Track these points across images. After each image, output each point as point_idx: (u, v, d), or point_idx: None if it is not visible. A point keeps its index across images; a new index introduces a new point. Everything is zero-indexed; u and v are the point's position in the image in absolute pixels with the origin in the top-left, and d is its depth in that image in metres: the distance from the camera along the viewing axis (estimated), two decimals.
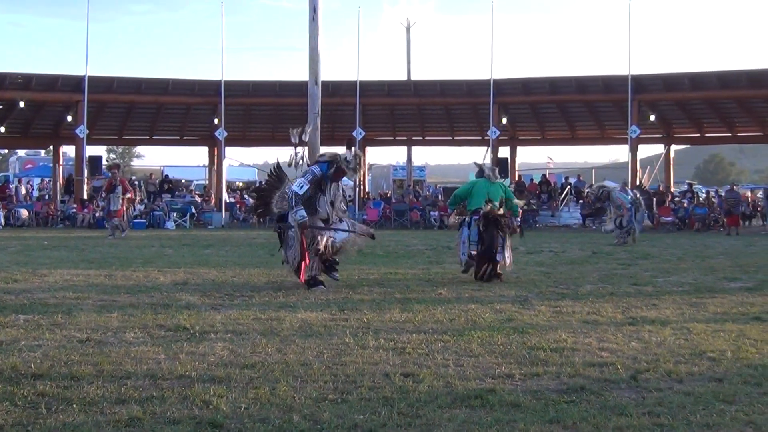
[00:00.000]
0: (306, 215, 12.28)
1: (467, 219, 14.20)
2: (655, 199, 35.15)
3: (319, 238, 12.50)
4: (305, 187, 12.36)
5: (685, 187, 41.51)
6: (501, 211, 14.17)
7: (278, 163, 13.75)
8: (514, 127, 42.71)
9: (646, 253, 20.33)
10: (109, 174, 28.18)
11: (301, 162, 13.34)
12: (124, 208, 26.58)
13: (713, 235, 30.71)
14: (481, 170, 15.08)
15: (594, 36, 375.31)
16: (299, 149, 13.43)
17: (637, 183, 32.00)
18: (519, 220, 15.60)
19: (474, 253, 13.87)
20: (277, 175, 13.56)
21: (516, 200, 15.11)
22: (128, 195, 26.65)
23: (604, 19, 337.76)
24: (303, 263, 12.43)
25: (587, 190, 26.79)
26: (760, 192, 49.38)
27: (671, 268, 16.30)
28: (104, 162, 41.44)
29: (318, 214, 12.57)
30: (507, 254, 14.11)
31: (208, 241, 24.55)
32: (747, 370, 6.86)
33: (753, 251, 21.56)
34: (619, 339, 8.31)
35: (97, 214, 33.26)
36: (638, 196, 26.00)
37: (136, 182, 41.48)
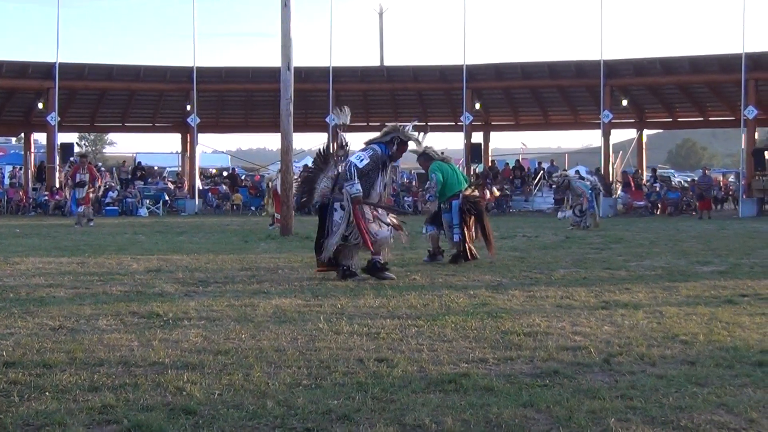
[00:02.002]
0: (361, 190, 11.73)
1: (447, 205, 14.32)
2: (620, 184, 35.40)
3: (371, 216, 12.01)
4: (365, 161, 11.87)
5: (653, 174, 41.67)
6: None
7: (327, 145, 13.15)
8: (488, 112, 42.78)
9: (619, 237, 20.42)
10: (78, 160, 27.87)
11: (346, 146, 12.94)
12: (90, 196, 26.24)
13: (685, 219, 30.90)
14: (428, 155, 14.94)
15: (566, 21, 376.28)
16: (341, 132, 13.10)
17: (596, 168, 32.15)
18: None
19: (458, 238, 14.10)
20: (324, 157, 12.86)
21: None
22: (97, 183, 26.45)
23: (576, 4, 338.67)
24: (366, 237, 11.76)
25: (554, 177, 26.99)
26: (732, 176, 49.82)
27: (644, 252, 16.38)
28: (75, 149, 41.16)
29: (370, 196, 12.03)
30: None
31: (181, 228, 24.48)
32: (719, 353, 6.90)
33: (725, 235, 21.69)
34: (592, 323, 8.34)
35: (66, 207, 33.05)
36: (597, 181, 26.39)
37: (102, 168, 41.26)
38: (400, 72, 41.28)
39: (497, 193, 33.81)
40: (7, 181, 43.62)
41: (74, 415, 5.15)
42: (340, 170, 12.21)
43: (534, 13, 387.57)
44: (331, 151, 12.97)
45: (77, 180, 25.75)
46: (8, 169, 48.23)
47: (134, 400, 5.47)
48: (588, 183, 25.12)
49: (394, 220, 12.69)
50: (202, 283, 11.39)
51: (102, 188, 30.87)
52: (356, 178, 11.69)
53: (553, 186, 26.84)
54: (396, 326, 8.09)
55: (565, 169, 25.85)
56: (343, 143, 12.93)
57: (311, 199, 12.73)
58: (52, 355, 6.70)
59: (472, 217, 14.18)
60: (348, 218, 11.83)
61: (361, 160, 11.84)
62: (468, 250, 14.08)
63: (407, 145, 12.54)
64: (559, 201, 34.99)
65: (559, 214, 24.88)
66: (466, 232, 14.14)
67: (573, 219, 24.27)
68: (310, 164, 13.78)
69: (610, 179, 36.19)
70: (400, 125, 12.32)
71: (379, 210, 12.21)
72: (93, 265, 13.68)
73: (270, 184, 25.52)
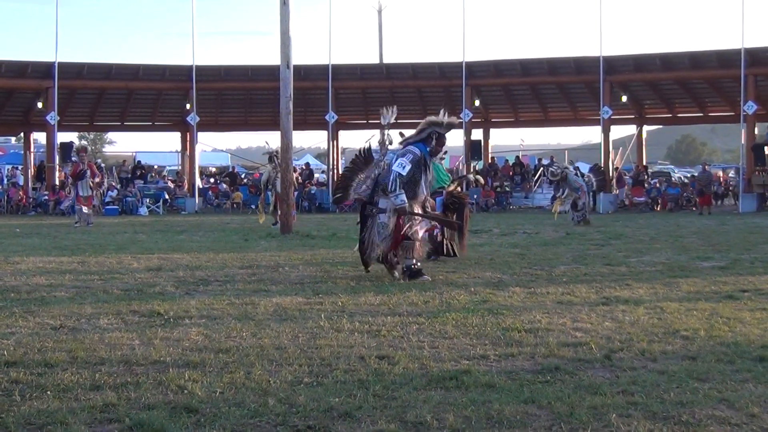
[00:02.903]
0: (406, 201, 11.55)
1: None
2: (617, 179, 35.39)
3: (417, 228, 11.89)
4: (407, 168, 11.57)
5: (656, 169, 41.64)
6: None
7: (369, 145, 12.98)
8: (487, 109, 42.74)
9: (620, 233, 20.43)
10: (77, 158, 27.66)
11: (389, 144, 12.75)
12: (94, 200, 26.12)
13: (685, 215, 30.90)
14: None
15: (565, 17, 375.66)
16: (387, 131, 12.88)
17: (594, 165, 32.11)
18: None
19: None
20: (365, 157, 12.65)
21: None
22: (96, 179, 26.22)
23: (575, 0, 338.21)
24: (397, 240, 11.68)
25: (551, 169, 26.94)
26: (732, 171, 49.80)
27: (644, 248, 16.39)
28: (75, 144, 41.15)
29: (416, 197, 11.82)
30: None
31: (181, 227, 24.47)
32: (720, 348, 6.91)
33: (725, 230, 21.69)
34: (593, 319, 8.35)
35: (64, 205, 32.99)
36: (591, 178, 26.41)
37: (102, 166, 41.24)
38: (399, 69, 41.25)
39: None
40: (5, 180, 43.59)
41: (76, 414, 5.15)
42: (381, 171, 12.08)
43: (533, 9, 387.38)
44: (374, 150, 12.82)
45: (79, 174, 25.51)
46: (7, 168, 48.20)
47: (136, 398, 5.47)
48: (585, 179, 25.19)
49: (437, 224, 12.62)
50: (203, 282, 11.40)
51: (104, 187, 30.80)
52: (399, 188, 11.50)
53: (550, 177, 26.81)
54: (397, 323, 8.10)
55: (566, 166, 25.78)
56: (387, 143, 12.77)
57: (346, 196, 12.68)
58: (53, 354, 6.71)
59: (454, 214, 14.15)
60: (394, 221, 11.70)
61: (404, 168, 11.57)
62: (445, 246, 14.08)
63: (446, 138, 12.20)
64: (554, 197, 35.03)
65: (560, 208, 24.79)
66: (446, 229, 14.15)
67: (571, 213, 24.25)
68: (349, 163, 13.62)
69: (610, 175, 36.16)
70: (435, 118, 12.01)
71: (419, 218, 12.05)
72: (93, 264, 13.69)
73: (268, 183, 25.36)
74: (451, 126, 12.15)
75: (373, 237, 11.76)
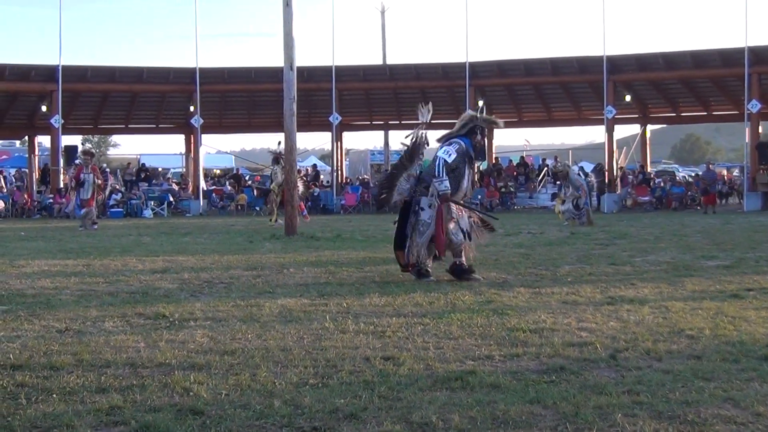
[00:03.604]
0: (449, 187, 11.40)
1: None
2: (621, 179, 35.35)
3: (459, 216, 11.73)
4: (453, 156, 11.47)
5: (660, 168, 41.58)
6: None
7: (417, 141, 12.79)
8: (491, 109, 42.60)
9: (624, 232, 20.42)
10: (81, 160, 27.49)
11: (425, 143, 12.47)
12: (95, 197, 25.98)
13: (690, 214, 30.87)
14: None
15: (568, 17, 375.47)
16: (423, 130, 12.65)
17: (597, 165, 32.08)
18: None
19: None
20: (410, 156, 12.56)
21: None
22: (99, 182, 26.04)
23: (578, 0, 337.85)
24: (440, 236, 11.46)
25: (552, 165, 26.92)
26: (737, 170, 49.74)
27: (649, 247, 16.37)
28: (80, 147, 41.17)
29: (459, 190, 11.69)
30: None
31: (186, 229, 24.48)
32: (725, 347, 6.90)
33: (730, 229, 21.67)
34: (598, 318, 8.35)
35: (68, 208, 32.97)
36: (593, 179, 26.41)
37: (107, 170, 41.23)
38: (402, 70, 41.26)
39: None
40: (9, 184, 43.58)
41: (82, 416, 5.16)
42: (422, 168, 12.00)
43: (536, 9, 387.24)
44: (418, 148, 12.76)
45: (81, 179, 25.51)
46: (11, 172, 48.23)
47: (141, 401, 5.48)
48: (587, 179, 25.21)
49: (478, 220, 12.36)
50: (208, 284, 11.41)
51: (107, 190, 30.71)
52: (444, 174, 11.39)
53: (551, 173, 26.81)
54: (402, 324, 8.10)
55: (567, 163, 25.77)
56: (424, 142, 12.69)
57: (390, 198, 12.50)
58: (58, 357, 6.71)
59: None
60: (445, 219, 11.52)
61: (450, 155, 11.49)
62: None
63: (486, 134, 12.12)
64: (554, 195, 35.01)
65: (561, 207, 24.74)
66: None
67: (570, 213, 24.24)
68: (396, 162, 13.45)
69: (614, 175, 36.14)
70: (476, 113, 11.91)
71: (464, 210, 11.97)
72: (98, 267, 13.70)
73: (276, 188, 25.39)
74: (492, 122, 12.07)
75: (416, 236, 11.59)
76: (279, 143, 25.92)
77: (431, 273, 11.72)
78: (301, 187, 25.33)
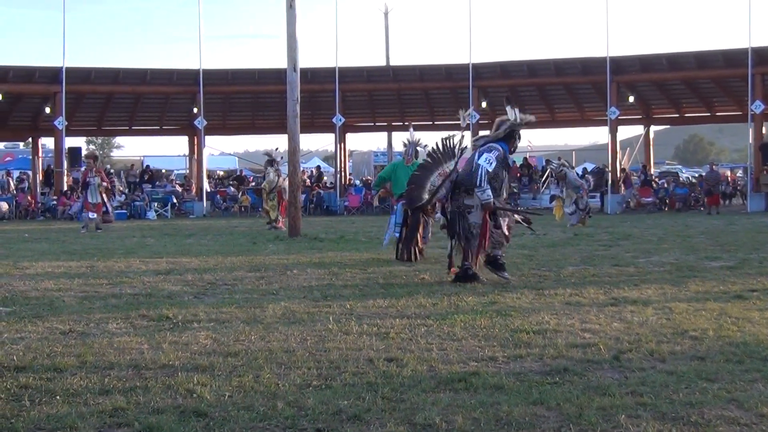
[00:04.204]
0: (492, 196, 11.30)
1: (395, 205, 14.80)
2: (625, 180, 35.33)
3: (503, 222, 11.72)
4: (494, 164, 11.30)
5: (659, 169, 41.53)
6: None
7: (451, 139, 12.71)
8: (494, 110, 42.66)
9: (628, 233, 20.40)
10: (85, 164, 27.43)
11: (463, 146, 12.52)
12: (104, 201, 25.86)
13: (694, 215, 30.85)
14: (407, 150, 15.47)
15: (571, 18, 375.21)
16: (462, 133, 12.74)
17: (595, 166, 32.08)
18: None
19: (397, 236, 14.65)
20: (441, 153, 12.60)
21: None
22: (104, 184, 25.88)
23: (581, 1, 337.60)
24: (485, 240, 11.43)
25: (552, 166, 26.85)
26: (740, 171, 49.68)
27: (652, 248, 16.37)
28: (84, 150, 41.21)
29: (499, 196, 11.64)
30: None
31: (189, 231, 24.49)
32: (729, 348, 6.90)
33: (733, 230, 21.65)
34: (602, 320, 8.35)
35: (73, 210, 32.96)
36: (590, 179, 26.37)
37: (112, 171, 41.22)
38: (406, 71, 41.22)
39: None
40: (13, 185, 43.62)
41: (85, 418, 5.16)
42: (459, 171, 11.91)
43: (539, 10, 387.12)
44: (450, 148, 12.72)
45: (87, 182, 25.44)
46: (15, 174, 48.25)
47: (145, 402, 5.49)
48: (585, 179, 25.22)
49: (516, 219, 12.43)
50: (211, 286, 11.42)
51: (115, 192, 30.66)
52: (486, 183, 11.25)
53: (550, 174, 26.77)
54: (405, 326, 8.10)
55: (563, 163, 25.62)
56: (460, 144, 12.64)
57: (420, 198, 12.65)
58: (62, 359, 6.72)
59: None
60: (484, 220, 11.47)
61: (490, 164, 11.31)
62: (409, 251, 14.24)
63: (518, 138, 12.06)
64: (552, 197, 34.95)
65: (567, 209, 24.60)
66: (408, 232, 14.37)
67: (579, 213, 24.12)
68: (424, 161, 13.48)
69: (617, 176, 36.11)
70: (513, 120, 11.74)
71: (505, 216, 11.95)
72: (102, 268, 13.71)
73: (267, 186, 25.39)
74: (529, 122, 12.06)
75: (471, 240, 11.50)
76: (276, 149, 26.10)
77: (479, 275, 11.58)
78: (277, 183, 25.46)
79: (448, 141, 12.75)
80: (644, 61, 37.60)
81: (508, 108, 11.72)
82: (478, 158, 11.42)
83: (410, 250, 14.19)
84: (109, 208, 26.16)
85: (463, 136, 12.69)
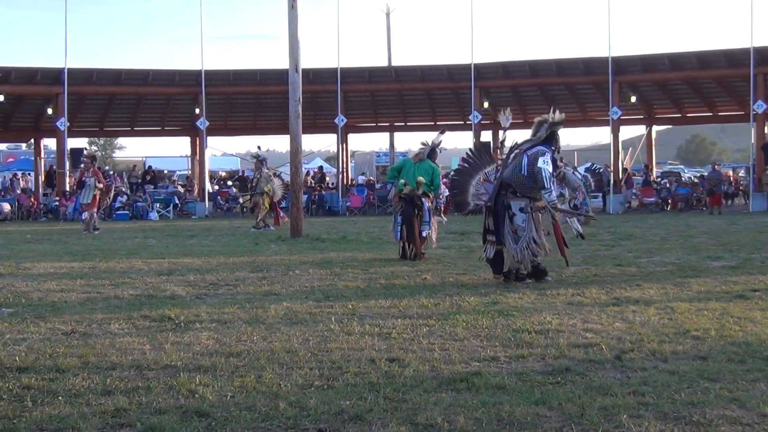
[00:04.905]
0: (555, 198, 11.47)
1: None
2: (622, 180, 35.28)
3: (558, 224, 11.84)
4: (551, 166, 11.38)
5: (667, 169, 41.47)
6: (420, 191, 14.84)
7: (486, 143, 12.63)
8: (496, 111, 42.58)
9: (629, 233, 20.40)
10: (83, 165, 27.29)
11: (506, 146, 12.43)
12: (97, 201, 25.65)
13: (696, 215, 30.83)
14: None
15: (573, 18, 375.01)
16: (505, 134, 12.75)
17: (591, 164, 31.98)
18: (441, 201, 15.68)
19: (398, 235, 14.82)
20: (479, 157, 12.58)
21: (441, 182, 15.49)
22: (100, 186, 25.68)
23: (583, 1, 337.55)
24: (564, 247, 11.72)
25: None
26: (742, 171, 49.64)
27: (654, 248, 16.36)
28: (84, 151, 41.20)
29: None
30: (431, 233, 14.96)
31: (192, 232, 24.49)
32: (731, 348, 6.90)
33: (735, 230, 21.64)
34: (604, 320, 8.35)
35: (68, 210, 32.94)
36: (589, 178, 26.29)
37: (112, 172, 41.18)
38: (408, 72, 41.18)
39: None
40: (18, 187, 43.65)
41: (87, 419, 5.17)
42: (504, 173, 11.89)
43: (541, 10, 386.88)
44: (487, 152, 12.69)
45: (82, 182, 25.37)
46: (18, 174, 48.27)
47: (147, 403, 5.49)
48: (581, 178, 25.12)
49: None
50: (213, 286, 11.42)
51: (111, 193, 30.54)
52: (551, 184, 11.34)
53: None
54: (407, 326, 8.11)
55: (565, 163, 25.58)
56: (502, 145, 12.61)
57: (466, 201, 12.68)
58: (64, 359, 6.73)
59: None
60: (533, 222, 11.52)
61: (549, 165, 11.35)
62: (407, 248, 14.58)
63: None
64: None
65: (575, 224, 24.54)
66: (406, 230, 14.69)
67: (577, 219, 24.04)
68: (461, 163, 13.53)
69: (619, 176, 36.08)
70: (552, 122, 11.71)
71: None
72: (104, 269, 13.72)
73: (270, 189, 25.36)
74: (561, 119, 12.06)
75: (520, 241, 11.48)
76: (258, 147, 26.26)
77: (527, 277, 11.60)
78: (279, 193, 25.51)
79: (483, 145, 12.75)
80: (646, 61, 37.55)
81: (550, 111, 11.78)
82: (536, 162, 11.34)
83: (404, 248, 14.46)
84: (95, 214, 25.75)
85: (504, 138, 12.64)
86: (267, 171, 25.56)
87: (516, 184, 11.53)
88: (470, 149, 13.18)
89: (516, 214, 11.52)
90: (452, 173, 13.40)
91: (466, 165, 13.22)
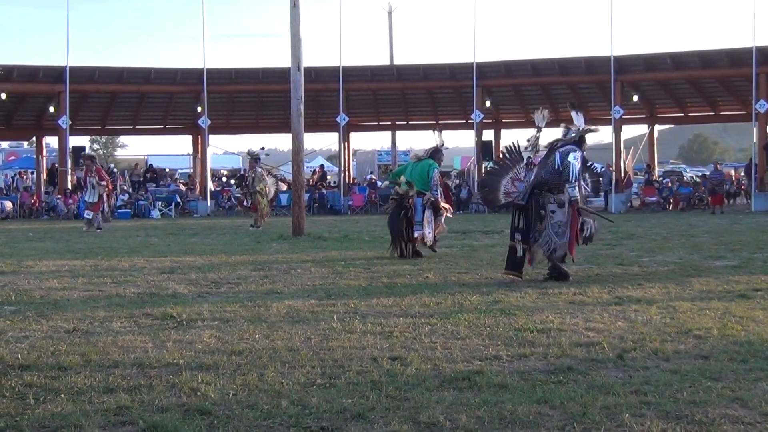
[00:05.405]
0: (578, 195, 11.56)
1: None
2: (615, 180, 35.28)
3: (588, 223, 11.91)
4: (580, 164, 11.61)
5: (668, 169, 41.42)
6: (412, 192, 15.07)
7: (517, 143, 12.81)
8: (498, 110, 42.67)
9: (632, 233, 20.38)
10: (84, 165, 27.32)
11: (538, 146, 12.57)
12: (104, 200, 25.68)
13: (698, 214, 30.81)
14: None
15: (575, 17, 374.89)
16: (538, 134, 12.68)
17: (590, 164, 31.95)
18: (435, 192, 15.54)
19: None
20: (511, 157, 12.65)
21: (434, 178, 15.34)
22: (103, 183, 25.71)
23: (586, 0, 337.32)
24: (573, 244, 11.72)
25: None
26: (743, 171, 49.61)
27: (656, 247, 16.36)
28: (86, 151, 41.19)
29: (580, 196, 11.86)
30: (427, 231, 14.97)
31: (193, 230, 24.49)
32: (733, 347, 6.90)
33: (737, 229, 21.62)
34: (606, 319, 8.35)
35: (81, 211, 32.97)
36: (587, 178, 26.27)
37: (115, 170, 41.15)
38: (410, 71, 41.16)
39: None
40: (20, 185, 43.65)
41: (90, 416, 5.17)
42: (541, 172, 11.96)
43: (543, 9, 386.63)
44: (518, 152, 12.72)
45: (86, 182, 25.42)
46: (19, 173, 48.30)
47: (149, 401, 5.50)
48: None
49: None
50: (215, 284, 11.43)
51: (116, 193, 30.58)
52: (577, 181, 11.51)
53: None
54: (409, 325, 8.11)
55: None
56: (537, 145, 12.65)
57: (497, 197, 12.66)
58: (66, 357, 6.74)
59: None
60: (570, 218, 11.63)
61: (578, 161, 11.55)
62: (404, 248, 14.94)
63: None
64: None
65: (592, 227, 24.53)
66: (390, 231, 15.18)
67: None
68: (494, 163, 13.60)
69: (622, 175, 36.06)
70: (579, 126, 11.87)
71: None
72: (106, 267, 13.73)
73: (263, 189, 25.36)
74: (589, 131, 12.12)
75: (551, 237, 11.60)
76: (262, 148, 26.34)
77: (570, 272, 11.74)
78: (272, 191, 25.56)
79: (515, 146, 12.75)
80: (648, 60, 37.54)
81: (573, 113, 11.86)
82: (566, 157, 11.48)
83: (400, 246, 14.94)
84: (106, 209, 25.96)
85: (538, 137, 12.64)
86: (260, 169, 25.53)
87: (551, 182, 11.63)
88: (504, 151, 13.15)
89: (555, 211, 11.61)
90: (485, 174, 13.49)
91: (497, 167, 13.34)
